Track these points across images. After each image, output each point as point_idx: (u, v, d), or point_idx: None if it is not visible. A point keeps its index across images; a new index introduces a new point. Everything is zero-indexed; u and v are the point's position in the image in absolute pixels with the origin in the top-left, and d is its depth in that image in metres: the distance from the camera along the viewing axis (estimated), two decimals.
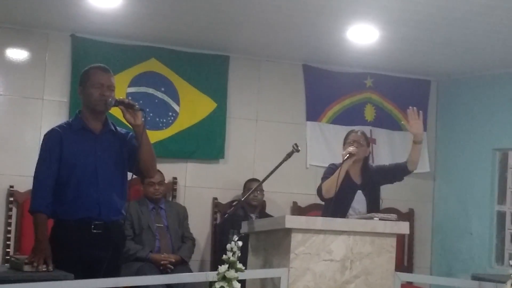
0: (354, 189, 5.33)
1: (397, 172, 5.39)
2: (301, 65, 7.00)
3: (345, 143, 5.44)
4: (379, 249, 4.27)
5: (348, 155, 5.19)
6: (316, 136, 6.99)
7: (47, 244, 3.94)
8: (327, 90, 7.04)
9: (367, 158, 5.49)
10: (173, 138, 6.49)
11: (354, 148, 5.23)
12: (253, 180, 6.41)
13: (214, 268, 3.69)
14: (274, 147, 6.52)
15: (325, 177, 5.39)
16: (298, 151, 4.80)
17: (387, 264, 4.29)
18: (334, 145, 6.87)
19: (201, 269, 6.43)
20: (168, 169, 6.27)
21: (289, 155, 4.78)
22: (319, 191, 5.35)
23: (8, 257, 5.51)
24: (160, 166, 4.57)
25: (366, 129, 6.86)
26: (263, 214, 6.40)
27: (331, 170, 5.39)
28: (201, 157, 6.65)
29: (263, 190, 6.36)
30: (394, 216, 4.54)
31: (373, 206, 5.25)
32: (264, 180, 4.81)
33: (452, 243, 7.09)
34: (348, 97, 7.14)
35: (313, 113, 7.01)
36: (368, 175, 5.44)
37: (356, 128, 6.21)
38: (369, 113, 7.19)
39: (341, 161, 5.44)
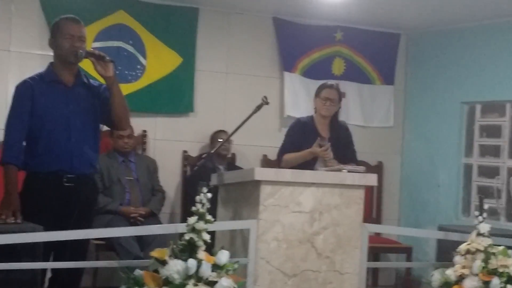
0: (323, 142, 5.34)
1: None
2: (271, 17, 6.95)
3: (318, 96, 5.42)
4: (348, 201, 4.31)
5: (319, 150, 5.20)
6: (293, 87, 6.97)
7: (17, 196, 3.94)
8: (297, 43, 7.01)
9: (337, 113, 5.51)
10: (142, 91, 6.44)
11: (325, 152, 5.19)
12: (221, 131, 6.42)
13: (184, 220, 3.70)
14: (244, 100, 6.49)
15: (286, 145, 5.39)
16: (267, 103, 4.81)
17: (355, 216, 4.33)
18: (304, 97, 6.88)
19: (171, 221, 6.45)
20: (138, 122, 6.23)
21: (258, 108, 4.79)
22: (279, 161, 5.38)
23: None
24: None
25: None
26: (232, 167, 6.42)
27: (292, 138, 5.40)
28: (170, 111, 6.62)
29: (232, 141, 6.36)
30: (362, 168, 4.57)
31: (348, 159, 5.26)
32: (233, 132, 4.82)
33: (420, 195, 7.17)
34: (317, 50, 7.11)
35: (288, 65, 6.99)
36: (336, 130, 5.45)
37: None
38: (337, 67, 7.18)
39: (309, 114, 5.48)
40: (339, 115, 5.57)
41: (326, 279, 4.22)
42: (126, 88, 6.14)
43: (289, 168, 5.07)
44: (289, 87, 6.96)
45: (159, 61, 6.54)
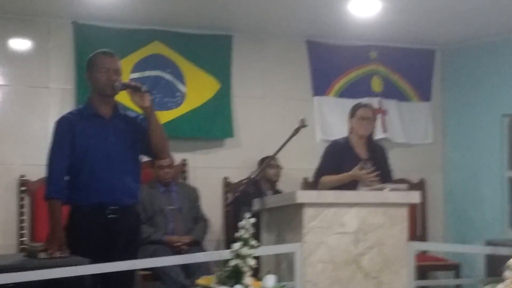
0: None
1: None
2: (304, 40, 6.97)
3: (354, 116, 5.39)
4: (392, 220, 4.28)
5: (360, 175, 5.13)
6: (324, 111, 6.96)
7: (62, 231, 3.98)
8: (331, 64, 7.01)
9: (372, 132, 5.47)
10: (183, 118, 6.47)
11: (369, 175, 5.09)
12: (267, 157, 6.41)
13: (228, 247, 3.70)
14: (282, 124, 6.46)
15: (323, 168, 5.32)
16: (305, 126, 4.80)
17: (400, 234, 4.30)
18: (342, 119, 6.85)
19: (216, 249, 6.42)
20: (177, 151, 6.26)
21: (296, 131, 4.79)
22: (316, 183, 5.32)
23: (23, 246, 5.56)
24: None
25: (374, 101, 6.88)
26: (274, 191, 6.42)
27: (329, 160, 5.34)
28: (210, 136, 6.64)
29: (281, 167, 6.39)
30: (405, 186, 4.54)
31: (385, 178, 5.22)
32: (273, 155, 4.82)
33: (465, 210, 7.08)
34: (354, 70, 7.11)
35: (320, 88, 6.99)
36: (374, 149, 5.41)
37: (364, 100, 6.21)
38: (376, 84, 7.16)
39: (344, 136, 5.44)
40: (374, 135, 5.53)
41: None
42: (167, 115, 6.24)
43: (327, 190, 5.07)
44: (320, 112, 6.96)
45: (198, 88, 6.57)
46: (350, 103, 6.63)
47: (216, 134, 6.66)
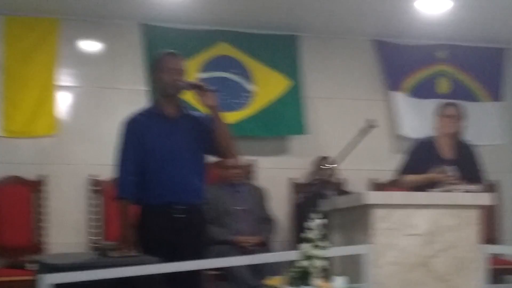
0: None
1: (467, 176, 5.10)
2: (371, 40, 6.90)
3: (439, 115, 5.28)
4: (464, 222, 4.20)
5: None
6: (400, 106, 6.89)
7: (132, 230, 4.02)
8: (398, 65, 6.93)
9: (460, 132, 5.33)
10: (250, 118, 6.50)
11: (448, 177, 4.94)
12: (324, 157, 6.35)
13: (295, 248, 3.67)
14: (349, 124, 6.40)
15: (406, 166, 5.25)
16: (375, 126, 4.74)
17: (473, 237, 4.22)
18: (413, 117, 6.78)
19: (283, 249, 6.41)
20: (245, 152, 6.26)
21: (365, 132, 4.74)
22: (397, 181, 5.29)
23: (94, 244, 5.65)
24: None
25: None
26: (341, 192, 6.36)
27: (412, 159, 5.25)
28: (283, 134, 6.65)
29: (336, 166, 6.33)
30: (478, 187, 4.44)
31: (474, 179, 5.06)
32: (343, 158, 4.78)
33: None
34: (420, 71, 7.01)
35: (393, 84, 6.92)
36: (461, 149, 5.29)
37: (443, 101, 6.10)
38: (442, 86, 7.05)
39: (429, 135, 5.34)
40: (463, 135, 5.40)
41: None
42: (233, 116, 6.24)
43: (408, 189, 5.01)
44: (398, 106, 6.88)
45: (267, 86, 6.58)
46: (420, 103, 6.57)
47: (287, 131, 6.65)
